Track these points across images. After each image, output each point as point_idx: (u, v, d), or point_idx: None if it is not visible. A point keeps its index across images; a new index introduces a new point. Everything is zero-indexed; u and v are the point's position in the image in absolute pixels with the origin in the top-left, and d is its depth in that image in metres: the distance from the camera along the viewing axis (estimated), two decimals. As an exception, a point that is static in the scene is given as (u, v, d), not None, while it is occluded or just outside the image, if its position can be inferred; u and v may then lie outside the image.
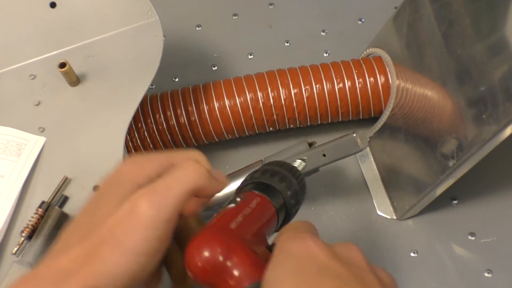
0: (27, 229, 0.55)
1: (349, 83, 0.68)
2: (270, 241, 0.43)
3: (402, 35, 0.68)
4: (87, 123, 0.61)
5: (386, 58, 0.69)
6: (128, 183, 0.41)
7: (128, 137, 0.67)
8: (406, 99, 0.66)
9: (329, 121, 0.71)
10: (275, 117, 0.69)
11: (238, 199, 0.43)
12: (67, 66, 0.61)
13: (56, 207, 0.56)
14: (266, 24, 0.83)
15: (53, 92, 0.63)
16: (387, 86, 0.69)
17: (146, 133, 0.68)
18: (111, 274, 0.38)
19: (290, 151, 0.64)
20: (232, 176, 0.62)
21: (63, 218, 0.56)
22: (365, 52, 0.73)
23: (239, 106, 0.68)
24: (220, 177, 0.44)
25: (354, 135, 0.62)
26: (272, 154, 0.65)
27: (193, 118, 0.68)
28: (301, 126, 0.71)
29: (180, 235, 0.42)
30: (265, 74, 0.70)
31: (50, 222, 0.55)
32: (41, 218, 0.56)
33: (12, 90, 0.64)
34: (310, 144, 0.64)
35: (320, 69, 0.69)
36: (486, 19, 0.56)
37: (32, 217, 0.56)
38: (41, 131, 0.61)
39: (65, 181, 0.58)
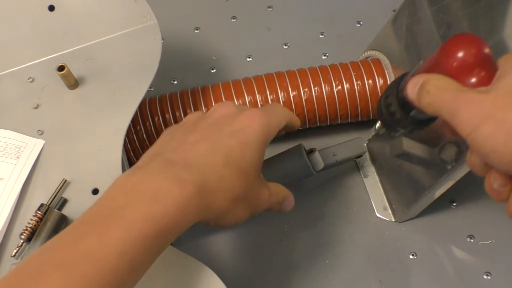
0: (26, 232, 0.55)
1: (348, 85, 0.68)
2: None
3: (401, 38, 0.68)
4: (86, 126, 0.61)
5: (385, 60, 0.69)
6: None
7: (126, 139, 0.67)
8: (405, 102, 0.66)
9: (328, 124, 0.71)
10: (273, 119, 0.69)
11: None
12: (66, 69, 0.61)
13: (55, 210, 0.56)
14: (265, 27, 0.83)
15: (52, 95, 0.63)
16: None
17: (144, 136, 0.68)
18: None
19: (286, 154, 0.64)
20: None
21: (62, 221, 0.56)
22: (363, 55, 0.73)
23: (237, 109, 0.68)
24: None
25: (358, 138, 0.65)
26: (268, 158, 0.65)
27: (192, 121, 0.68)
28: (299, 128, 0.71)
29: None
30: (263, 77, 0.70)
31: (49, 224, 0.55)
32: (40, 220, 0.56)
33: (10, 93, 0.64)
34: (309, 151, 0.64)
35: (319, 71, 0.69)
36: (484, 22, 0.56)
37: (31, 219, 0.56)
38: (40, 134, 0.61)
39: (64, 184, 0.58)
